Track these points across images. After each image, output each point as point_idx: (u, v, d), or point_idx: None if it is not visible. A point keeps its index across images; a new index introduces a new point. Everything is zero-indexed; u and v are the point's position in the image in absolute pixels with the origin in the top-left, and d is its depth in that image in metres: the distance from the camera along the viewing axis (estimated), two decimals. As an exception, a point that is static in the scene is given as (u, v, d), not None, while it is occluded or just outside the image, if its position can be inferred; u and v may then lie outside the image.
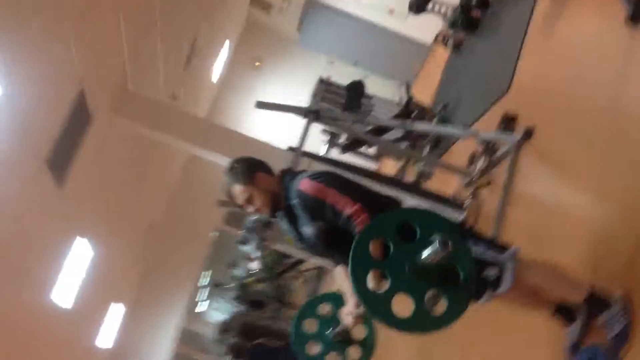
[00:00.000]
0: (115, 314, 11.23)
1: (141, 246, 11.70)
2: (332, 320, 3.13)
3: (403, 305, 2.17)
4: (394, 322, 2.19)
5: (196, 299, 21.14)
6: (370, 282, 2.20)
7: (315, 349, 3.26)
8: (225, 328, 11.69)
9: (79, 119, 5.71)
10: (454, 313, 2.18)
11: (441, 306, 2.19)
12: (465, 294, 2.20)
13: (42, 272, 6.50)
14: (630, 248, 2.67)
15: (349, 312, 2.77)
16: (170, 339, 13.30)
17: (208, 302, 21.78)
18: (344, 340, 3.18)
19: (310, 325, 3.25)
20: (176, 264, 13.00)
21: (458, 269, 2.18)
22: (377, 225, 2.26)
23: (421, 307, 2.16)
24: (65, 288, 7.40)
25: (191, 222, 12.90)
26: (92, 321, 9.98)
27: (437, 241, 2.05)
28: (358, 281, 2.15)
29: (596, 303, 2.52)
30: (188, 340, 15.94)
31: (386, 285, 2.17)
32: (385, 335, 6.12)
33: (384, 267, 2.20)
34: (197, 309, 20.32)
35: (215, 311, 15.08)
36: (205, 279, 18.97)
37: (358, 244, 2.19)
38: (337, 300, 3.10)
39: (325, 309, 3.24)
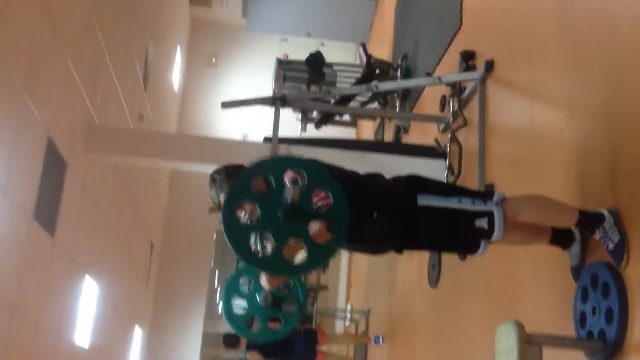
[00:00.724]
0: (138, 338, 11.35)
1: (148, 266, 11.77)
2: (257, 289, 3.23)
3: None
4: (247, 257, 2.27)
5: (216, 301, 21.24)
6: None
7: (255, 323, 3.39)
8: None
9: (54, 167, 5.74)
10: (308, 266, 2.26)
11: (302, 255, 2.27)
12: (327, 251, 2.26)
13: (60, 318, 6.57)
14: (611, 159, 2.74)
15: (263, 276, 2.86)
16: (195, 346, 13.42)
17: (222, 302, 21.94)
18: (275, 303, 3.28)
19: (241, 302, 3.37)
20: (186, 275, 13.08)
21: (331, 226, 2.26)
22: (260, 165, 2.36)
23: (279, 250, 2.23)
24: (86, 327, 7.49)
25: (190, 231, 12.95)
26: (119, 351, 10.09)
27: (290, 181, 2.12)
28: (229, 209, 2.23)
29: (588, 222, 2.60)
30: (212, 343, 16.01)
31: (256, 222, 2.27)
32: (408, 318, 6.24)
33: (258, 201, 2.28)
34: (217, 311, 20.42)
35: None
36: (217, 280, 18.98)
37: (241, 176, 2.31)
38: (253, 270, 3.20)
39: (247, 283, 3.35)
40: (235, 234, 2.24)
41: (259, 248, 2.34)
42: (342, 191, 2.29)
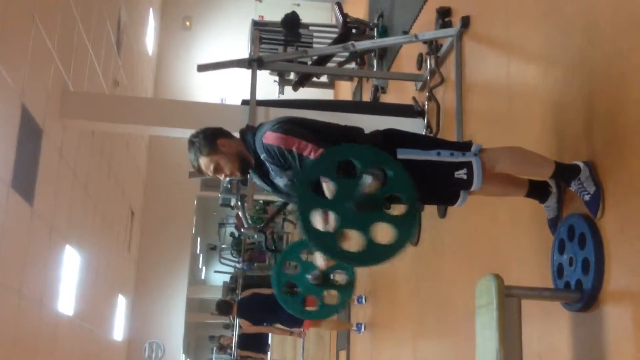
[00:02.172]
0: (122, 305, 11.40)
1: (129, 234, 11.74)
2: (305, 269, 3.24)
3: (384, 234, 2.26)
4: (344, 258, 2.28)
5: (199, 266, 21.33)
6: (318, 223, 2.29)
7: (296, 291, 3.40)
8: (229, 287, 11.88)
9: (30, 135, 5.67)
10: (402, 239, 2.24)
11: (389, 235, 2.26)
12: (410, 218, 2.27)
13: (43, 287, 6.56)
14: (586, 112, 2.75)
15: (318, 256, 2.86)
16: (179, 312, 13.50)
17: (204, 267, 21.99)
18: (323, 283, 3.29)
19: (292, 270, 3.38)
20: (167, 242, 13.08)
21: (401, 197, 2.26)
22: (316, 166, 2.32)
23: (369, 239, 2.22)
24: (69, 295, 7.50)
25: (170, 197, 12.92)
26: (104, 318, 10.12)
27: (368, 174, 2.11)
28: (305, 222, 2.20)
29: (564, 174, 2.62)
30: (196, 308, 16.08)
31: (332, 222, 2.25)
32: (390, 277, 6.30)
33: (328, 206, 2.25)
34: (201, 276, 20.56)
35: (217, 274, 15.31)
36: (199, 246, 19.01)
37: (301, 185, 2.25)
38: None
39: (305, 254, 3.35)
40: (326, 244, 2.22)
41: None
42: (395, 161, 2.31)
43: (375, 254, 2.25)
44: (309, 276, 3.26)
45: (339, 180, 2.24)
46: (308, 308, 3.53)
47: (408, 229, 2.25)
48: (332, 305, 3.49)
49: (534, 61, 3.46)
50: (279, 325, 8.08)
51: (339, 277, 3.42)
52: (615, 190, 2.47)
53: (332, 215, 2.26)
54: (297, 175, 2.41)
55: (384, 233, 2.27)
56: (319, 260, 2.91)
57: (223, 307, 7.79)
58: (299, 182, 2.28)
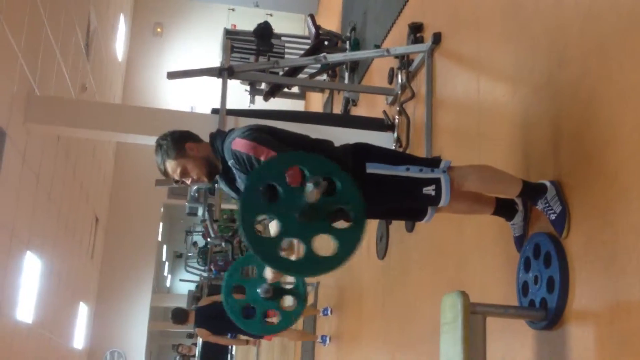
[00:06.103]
0: (83, 313, 11.21)
1: (93, 241, 11.57)
2: (260, 279, 3.16)
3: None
4: (283, 267, 2.24)
5: (164, 274, 21.11)
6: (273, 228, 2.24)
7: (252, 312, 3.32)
8: (195, 296, 11.76)
9: (-8, 138, 5.54)
10: (343, 254, 2.19)
11: (332, 247, 2.21)
12: (355, 233, 2.22)
13: (1, 293, 6.41)
14: (554, 131, 2.77)
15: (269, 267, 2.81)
16: (143, 321, 13.33)
17: (170, 276, 21.74)
18: (275, 295, 3.23)
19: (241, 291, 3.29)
20: (132, 249, 12.93)
21: (347, 210, 2.21)
22: (264, 170, 2.25)
23: (310, 250, 2.17)
24: (29, 303, 7.34)
25: (136, 204, 12.77)
26: (64, 326, 9.93)
27: (311, 183, 2.07)
28: (246, 226, 2.15)
29: (531, 193, 2.63)
30: (160, 317, 15.86)
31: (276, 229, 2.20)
32: (357, 290, 6.29)
33: (273, 212, 2.20)
34: (165, 285, 20.35)
35: (183, 282, 15.16)
36: (165, 254, 18.82)
37: (247, 190, 2.19)
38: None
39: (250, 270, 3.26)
40: (265, 250, 2.16)
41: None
42: (346, 173, 2.23)
43: (314, 265, 2.21)
44: (259, 290, 3.18)
45: (286, 187, 2.17)
46: (268, 320, 3.45)
47: (350, 244, 2.20)
48: (290, 312, 3.42)
49: (504, 79, 3.49)
50: (241, 336, 8.01)
51: (288, 303, 3.35)
52: (581, 210, 2.49)
53: (276, 223, 2.22)
54: (246, 178, 2.32)
55: (327, 245, 2.23)
56: (267, 272, 2.87)
57: (178, 316, 7.64)
58: (246, 185, 2.21)
